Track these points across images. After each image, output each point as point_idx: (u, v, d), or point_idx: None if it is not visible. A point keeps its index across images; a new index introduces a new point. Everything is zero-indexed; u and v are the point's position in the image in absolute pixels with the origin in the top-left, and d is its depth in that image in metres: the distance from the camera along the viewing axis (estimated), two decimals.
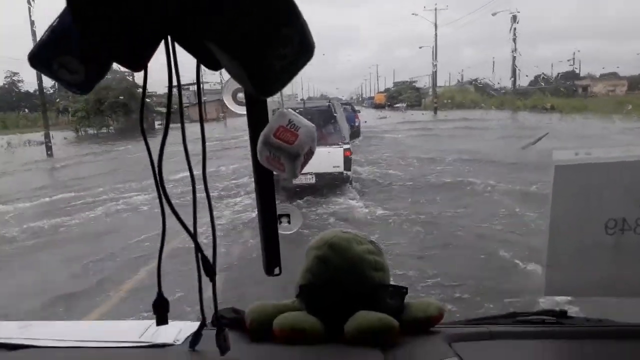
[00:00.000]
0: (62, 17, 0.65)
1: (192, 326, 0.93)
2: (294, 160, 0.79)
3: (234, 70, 0.61)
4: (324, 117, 10.38)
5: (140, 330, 0.99)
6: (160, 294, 0.84)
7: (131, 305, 4.72)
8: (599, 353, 0.95)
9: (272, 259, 0.95)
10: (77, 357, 0.93)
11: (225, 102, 0.94)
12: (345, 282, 0.96)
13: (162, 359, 0.91)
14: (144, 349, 0.93)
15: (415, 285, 4.80)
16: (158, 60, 0.66)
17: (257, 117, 0.87)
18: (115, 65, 0.71)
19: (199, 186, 0.79)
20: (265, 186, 0.93)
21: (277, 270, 0.96)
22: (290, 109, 0.83)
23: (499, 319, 1.07)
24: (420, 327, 0.97)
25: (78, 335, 0.98)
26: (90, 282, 5.62)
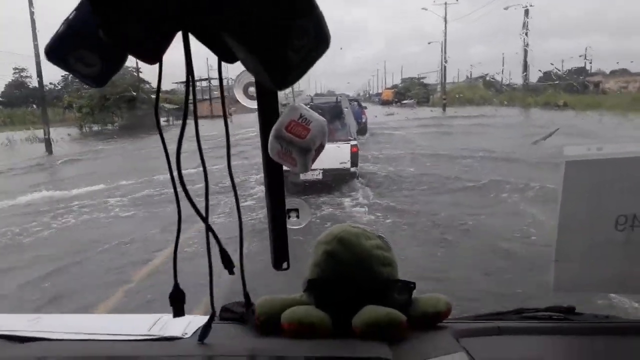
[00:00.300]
0: (78, 10, 0.66)
1: (202, 319, 0.95)
2: (305, 154, 0.80)
3: (250, 63, 0.62)
4: (332, 113, 10.48)
5: (149, 323, 1.00)
6: (176, 285, 0.85)
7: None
8: (607, 349, 0.95)
9: (280, 254, 0.96)
10: (87, 350, 0.95)
11: (237, 95, 0.95)
12: (353, 277, 0.97)
13: (171, 352, 0.92)
14: (153, 342, 0.95)
15: None
16: (165, 55, 0.67)
17: (268, 112, 0.89)
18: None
19: (217, 180, 0.80)
20: (275, 181, 0.94)
21: (285, 265, 0.97)
22: (301, 104, 0.84)
23: (507, 314, 1.08)
24: (428, 322, 0.98)
25: (88, 328, 1.00)
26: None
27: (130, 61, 0.70)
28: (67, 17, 0.67)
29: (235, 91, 0.96)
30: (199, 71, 0.78)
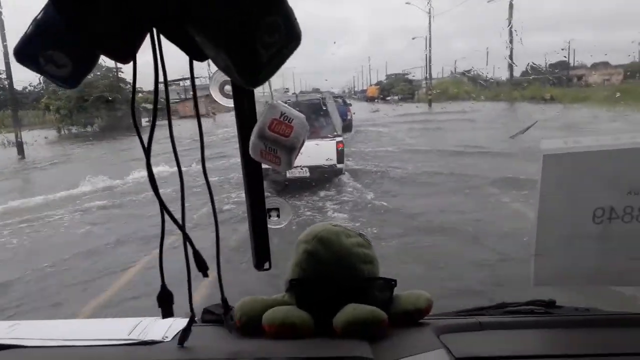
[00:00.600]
0: (46, 9, 0.65)
1: (182, 322, 0.95)
2: (290, 152, 0.80)
3: (220, 60, 0.62)
4: (317, 110, 10.59)
5: (129, 327, 1.00)
6: (163, 286, 0.85)
7: None
8: (588, 341, 0.97)
9: (261, 254, 0.97)
10: (66, 356, 0.95)
11: (212, 94, 0.95)
12: (334, 275, 0.98)
13: (151, 356, 0.92)
14: (133, 347, 0.95)
15: None
16: (144, 55, 0.67)
17: (245, 110, 0.89)
18: (100, 60, 0.73)
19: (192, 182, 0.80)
20: (254, 180, 0.95)
21: (267, 265, 0.98)
22: (280, 101, 0.85)
23: (488, 309, 1.10)
24: (409, 319, 0.99)
25: (66, 334, 1.00)
26: None
27: (110, 61, 0.70)
28: (35, 17, 0.66)
29: (211, 90, 0.95)
30: (183, 70, 0.78)
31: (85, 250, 6.83)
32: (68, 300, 5.23)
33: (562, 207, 1.04)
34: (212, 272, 0.84)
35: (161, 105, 0.77)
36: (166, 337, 0.96)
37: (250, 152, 0.84)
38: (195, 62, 0.71)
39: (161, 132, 0.77)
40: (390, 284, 1.01)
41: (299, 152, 0.83)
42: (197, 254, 0.80)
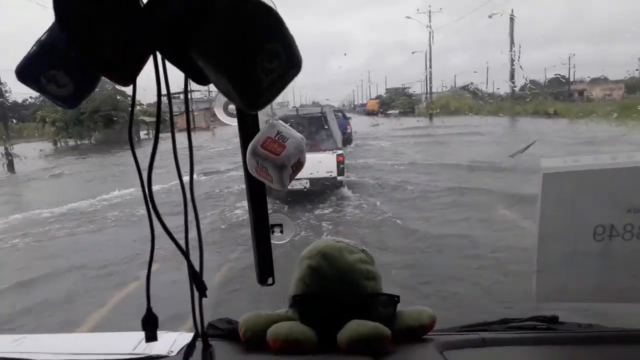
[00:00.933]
0: (50, 30, 0.67)
1: (187, 337, 0.97)
2: (280, 171, 0.82)
3: (221, 85, 0.65)
4: (317, 123, 10.86)
5: (134, 342, 1.02)
6: (149, 309, 0.85)
7: None
8: (590, 358, 0.99)
9: (265, 269, 0.99)
10: None
11: (217, 114, 0.98)
12: (338, 291, 1.00)
13: None
14: None
15: None
16: (144, 69, 0.68)
17: (248, 128, 0.92)
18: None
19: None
20: (258, 196, 0.97)
21: (270, 280, 1.00)
22: (280, 121, 0.87)
23: (491, 325, 1.11)
24: (412, 335, 1.01)
25: (72, 348, 1.01)
26: None
27: None
28: (40, 38, 0.68)
29: (215, 109, 0.98)
30: (180, 82, 0.80)
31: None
32: None
33: (563, 225, 1.07)
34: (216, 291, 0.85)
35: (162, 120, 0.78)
36: (171, 352, 0.98)
37: (248, 168, 0.87)
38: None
39: (160, 146, 0.77)
40: (394, 300, 1.03)
41: (294, 172, 0.85)
42: (195, 275, 0.81)
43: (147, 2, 0.63)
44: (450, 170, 12.76)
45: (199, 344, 0.93)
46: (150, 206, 0.75)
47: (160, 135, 0.75)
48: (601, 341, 1.05)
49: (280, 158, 0.82)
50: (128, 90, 0.71)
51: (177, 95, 0.79)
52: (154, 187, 0.73)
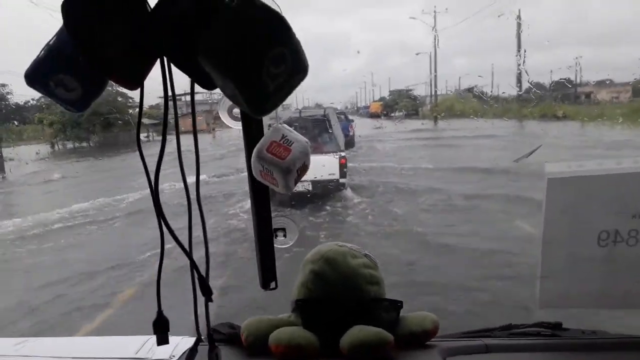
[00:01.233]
0: (59, 35, 0.69)
1: (189, 341, 0.98)
2: (286, 175, 0.84)
3: (228, 89, 0.66)
4: (320, 126, 11.07)
5: (137, 345, 1.03)
6: (160, 312, 0.87)
7: None
8: None
9: (268, 273, 1.01)
10: None
11: (221, 117, 1.00)
12: (340, 296, 1.01)
13: None
14: None
15: None
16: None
17: (253, 132, 0.93)
18: None
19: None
20: (261, 200, 0.99)
21: (273, 284, 1.01)
22: (285, 125, 0.89)
23: (495, 331, 1.12)
24: (415, 341, 1.02)
25: (75, 351, 1.03)
26: None
27: None
28: (48, 42, 0.69)
29: (220, 113, 1.00)
30: (183, 84, 0.82)
31: None
32: None
33: (567, 230, 1.08)
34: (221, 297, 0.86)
35: (159, 121, 0.80)
36: (173, 356, 0.99)
37: (252, 172, 0.88)
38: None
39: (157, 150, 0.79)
40: (397, 305, 1.04)
41: (299, 176, 0.86)
42: (202, 279, 0.83)
43: (154, 7, 0.65)
44: (466, 176, 12.38)
45: (201, 348, 0.95)
46: (158, 211, 0.78)
47: (158, 138, 0.77)
48: (605, 348, 1.06)
49: (285, 162, 0.83)
50: (129, 92, 0.73)
51: (179, 98, 0.80)
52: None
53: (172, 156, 0.83)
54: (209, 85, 0.70)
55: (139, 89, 0.72)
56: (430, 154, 17.84)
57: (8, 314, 5.42)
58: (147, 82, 0.73)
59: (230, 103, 0.97)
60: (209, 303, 0.86)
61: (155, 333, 0.88)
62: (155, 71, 0.71)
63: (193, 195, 0.85)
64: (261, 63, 0.62)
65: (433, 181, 12.01)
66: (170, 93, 0.74)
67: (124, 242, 8.52)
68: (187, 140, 0.86)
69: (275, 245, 1.03)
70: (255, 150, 0.86)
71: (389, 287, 1.09)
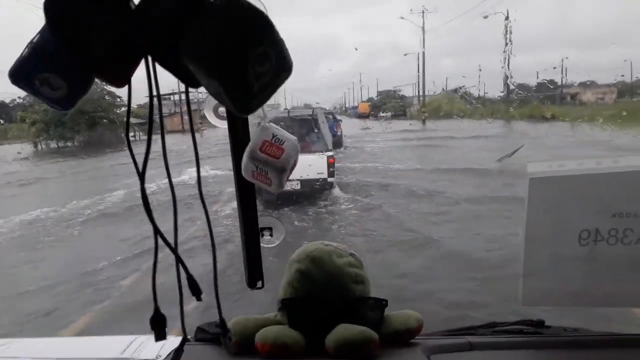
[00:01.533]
0: (42, 32, 0.68)
1: (175, 341, 0.99)
2: (281, 174, 0.85)
3: (212, 88, 0.66)
4: (308, 125, 11.11)
5: (122, 345, 1.04)
6: (156, 309, 0.86)
7: None
8: None
9: (254, 272, 1.01)
10: None
11: (207, 116, 1.00)
12: (326, 295, 1.02)
13: None
14: None
15: None
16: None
17: (239, 132, 0.94)
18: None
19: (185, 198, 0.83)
20: (247, 200, 1.00)
21: (259, 284, 1.02)
22: (272, 123, 0.90)
23: (478, 329, 1.15)
24: (400, 339, 1.04)
25: (60, 352, 1.03)
26: None
27: None
28: (32, 40, 0.68)
29: (205, 112, 1.00)
30: (171, 83, 0.81)
31: None
32: None
33: (549, 229, 1.10)
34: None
35: (145, 120, 0.80)
36: (159, 356, 1.00)
37: (243, 172, 0.89)
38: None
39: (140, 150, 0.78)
40: (381, 303, 1.06)
41: (290, 173, 0.87)
42: (190, 278, 0.82)
43: (138, 4, 0.65)
44: (466, 178, 11.98)
45: (187, 348, 0.95)
46: (145, 207, 0.77)
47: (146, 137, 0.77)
48: (587, 345, 1.08)
49: (280, 161, 0.84)
50: (117, 91, 0.73)
51: (166, 97, 0.80)
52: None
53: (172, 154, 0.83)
54: (194, 84, 0.71)
55: (126, 87, 0.71)
56: (423, 156, 17.67)
57: None
58: (135, 81, 0.72)
59: (216, 102, 0.98)
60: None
61: (152, 329, 0.88)
62: (143, 70, 0.71)
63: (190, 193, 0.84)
64: (246, 62, 0.63)
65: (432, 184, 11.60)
66: (155, 92, 0.74)
67: (74, 257, 7.78)
68: (170, 140, 0.86)
69: (261, 244, 1.03)
70: (247, 150, 0.86)
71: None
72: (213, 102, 0.98)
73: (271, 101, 0.77)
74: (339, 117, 24.22)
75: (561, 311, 1.16)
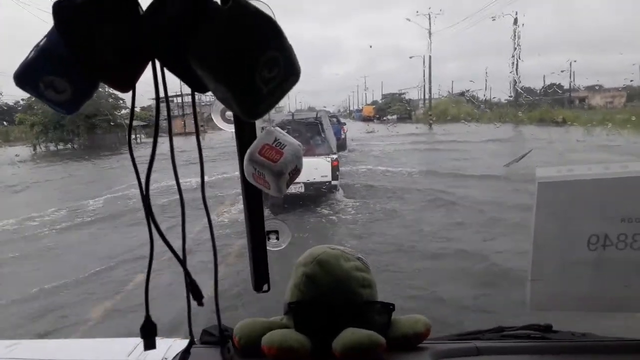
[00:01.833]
0: (49, 36, 0.69)
1: (182, 343, 1.00)
2: (278, 177, 0.86)
3: (220, 93, 0.68)
4: (312, 129, 11.43)
5: (129, 348, 1.05)
6: (147, 317, 0.88)
7: None
8: None
9: (260, 276, 1.03)
10: None
11: (214, 120, 1.02)
12: (333, 299, 1.03)
13: None
14: None
15: None
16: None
17: (245, 135, 0.95)
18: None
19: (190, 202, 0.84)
20: (254, 203, 1.01)
21: (265, 287, 1.04)
22: (277, 128, 0.91)
23: (485, 333, 1.16)
24: (407, 343, 1.05)
25: (66, 354, 1.04)
26: None
27: None
28: (38, 43, 0.70)
29: (212, 116, 1.02)
30: (173, 87, 0.83)
31: None
32: None
33: (557, 234, 1.11)
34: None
35: (147, 122, 0.81)
36: (165, 358, 1.01)
37: (245, 174, 0.90)
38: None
39: (149, 151, 0.80)
40: (389, 308, 1.07)
41: (291, 179, 0.88)
42: (193, 284, 0.84)
43: (146, 9, 0.66)
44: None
45: (194, 351, 0.97)
46: (148, 215, 0.79)
47: (149, 139, 0.78)
48: (595, 350, 1.09)
49: (277, 165, 0.85)
50: (119, 93, 0.74)
51: (170, 100, 0.81)
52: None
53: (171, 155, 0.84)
54: (200, 88, 0.72)
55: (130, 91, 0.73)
56: (437, 161, 17.06)
57: None
58: (138, 84, 0.73)
59: (223, 106, 0.99)
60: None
61: (142, 337, 0.89)
62: (147, 73, 0.72)
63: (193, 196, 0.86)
64: (254, 67, 0.64)
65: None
66: (162, 95, 0.76)
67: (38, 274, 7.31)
68: (178, 141, 0.87)
69: (268, 247, 1.05)
70: (247, 153, 0.88)
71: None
72: (220, 105, 0.99)
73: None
74: (343, 120, 24.31)
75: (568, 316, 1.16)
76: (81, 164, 23.29)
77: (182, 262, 0.85)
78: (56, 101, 0.72)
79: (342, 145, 18.59)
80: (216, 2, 0.66)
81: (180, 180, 0.84)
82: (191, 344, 0.97)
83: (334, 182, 10.51)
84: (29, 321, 5.44)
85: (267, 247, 1.05)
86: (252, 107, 0.68)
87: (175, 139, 0.85)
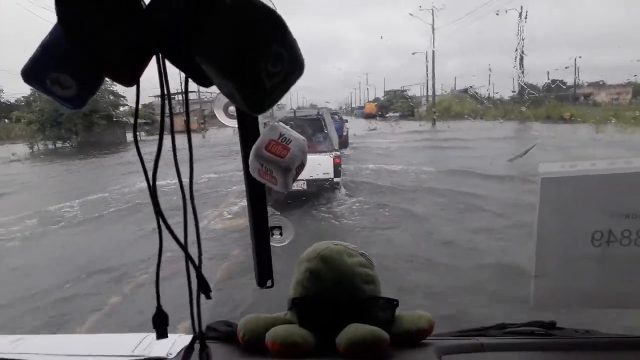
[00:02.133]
0: (53, 32, 0.71)
1: (187, 339, 1.02)
2: (286, 173, 0.87)
3: (225, 87, 0.69)
4: (314, 125, 11.42)
5: (134, 343, 1.07)
6: (159, 307, 0.89)
7: None
8: None
9: (264, 272, 1.05)
10: None
11: (217, 115, 1.03)
12: (336, 295, 1.05)
13: None
14: None
15: None
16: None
17: (248, 130, 0.97)
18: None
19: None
20: (257, 198, 1.03)
21: (269, 283, 1.05)
22: (281, 123, 0.93)
23: (489, 330, 1.17)
24: (411, 339, 1.07)
25: (71, 349, 1.06)
26: None
27: None
28: (43, 40, 0.71)
29: (215, 111, 1.03)
30: (176, 83, 0.84)
31: None
32: None
33: (561, 230, 1.13)
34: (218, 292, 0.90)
35: (147, 120, 0.82)
36: (170, 354, 1.03)
37: (250, 170, 0.92)
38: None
39: (149, 149, 0.80)
40: (392, 303, 1.08)
41: (297, 174, 0.89)
42: (200, 276, 0.85)
43: (149, 3, 0.67)
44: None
45: (198, 346, 0.99)
46: (155, 206, 0.80)
47: (152, 137, 0.79)
48: (598, 347, 1.11)
49: (285, 160, 0.87)
50: (120, 90, 0.74)
51: (173, 97, 0.83)
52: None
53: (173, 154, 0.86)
54: (205, 83, 0.72)
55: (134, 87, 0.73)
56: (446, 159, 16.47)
57: None
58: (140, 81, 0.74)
59: (226, 101, 1.00)
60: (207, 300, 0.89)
61: (154, 327, 0.91)
62: (147, 69, 0.73)
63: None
64: (259, 62, 0.65)
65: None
66: (165, 91, 0.77)
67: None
68: (178, 138, 0.88)
69: (271, 243, 1.07)
70: (253, 148, 0.89)
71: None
72: (223, 101, 1.00)
73: (279, 101, 0.80)
74: (345, 118, 24.33)
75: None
76: (74, 162, 23.17)
77: (186, 251, 0.86)
78: (63, 97, 0.73)
79: (344, 143, 18.58)
80: None
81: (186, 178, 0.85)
82: (195, 339, 0.98)
83: (336, 179, 10.60)
84: None
85: (271, 243, 1.06)
86: (258, 102, 0.69)
87: (177, 137, 0.86)
